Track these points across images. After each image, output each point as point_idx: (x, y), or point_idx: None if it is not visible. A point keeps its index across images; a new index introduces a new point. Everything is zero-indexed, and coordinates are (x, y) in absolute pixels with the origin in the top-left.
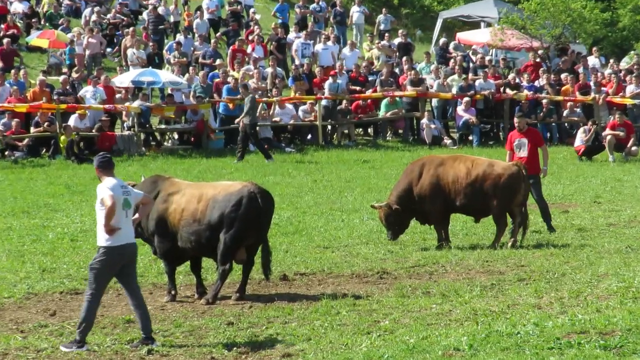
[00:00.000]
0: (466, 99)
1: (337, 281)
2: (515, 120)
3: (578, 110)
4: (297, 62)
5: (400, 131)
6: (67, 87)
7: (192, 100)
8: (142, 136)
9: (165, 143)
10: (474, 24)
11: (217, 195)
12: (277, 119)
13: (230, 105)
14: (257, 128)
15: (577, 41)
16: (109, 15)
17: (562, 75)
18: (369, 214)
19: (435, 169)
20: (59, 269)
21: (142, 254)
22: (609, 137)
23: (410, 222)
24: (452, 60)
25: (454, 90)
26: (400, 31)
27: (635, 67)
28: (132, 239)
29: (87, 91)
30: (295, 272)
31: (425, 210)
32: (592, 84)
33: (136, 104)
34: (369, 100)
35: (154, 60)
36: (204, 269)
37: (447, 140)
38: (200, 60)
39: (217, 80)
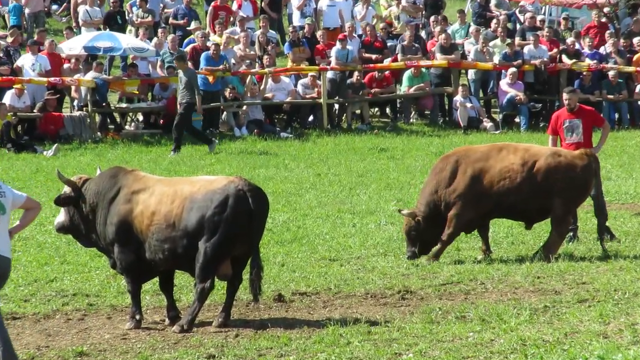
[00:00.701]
0: (512, 70)
1: (347, 303)
2: (565, 96)
3: None
4: (295, 22)
5: (427, 111)
6: (1, 55)
7: (160, 72)
8: (98, 118)
9: (127, 126)
10: None
11: (195, 193)
12: (269, 95)
13: (210, 79)
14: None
15: None
16: None
17: (635, 40)
18: (387, 217)
19: (472, 165)
20: None
21: (99, 267)
22: None
23: (438, 239)
24: (493, 21)
25: (497, 59)
26: None
27: None
28: (4, 252)
29: (25, 60)
30: (294, 292)
31: (451, 217)
32: None
33: (90, 76)
34: (387, 72)
35: (113, 21)
36: (177, 287)
37: (487, 123)
38: (171, 20)
39: (193, 45)
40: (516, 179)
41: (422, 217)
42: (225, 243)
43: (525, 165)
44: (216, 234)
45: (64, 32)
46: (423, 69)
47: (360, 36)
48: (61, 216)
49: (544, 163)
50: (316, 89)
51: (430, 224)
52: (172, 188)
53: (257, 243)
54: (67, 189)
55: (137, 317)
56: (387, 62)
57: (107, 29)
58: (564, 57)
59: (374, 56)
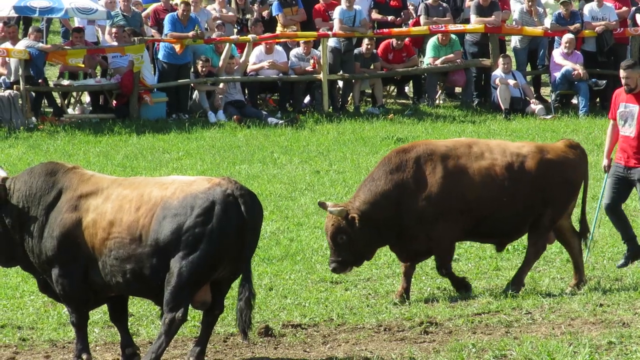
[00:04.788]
0: (568, 36)
1: (354, 337)
2: (622, 72)
3: None
4: None
5: (459, 90)
6: None
7: (109, 40)
8: (31, 98)
9: (70, 110)
10: None
11: (169, 198)
12: (253, 68)
13: (177, 48)
14: None
15: None
16: None
17: None
18: None
19: (442, 162)
20: None
21: (34, 292)
22: None
23: (375, 252)
24: None
25: (548, 22)
26: None
27: None
28: None
29: None
30: (285, 323)
31: (435, 238)
32: None
33: (22, 45)
34: (406, 39)
35: None
36: (134, 317)
37: (536, 106)
38: None
39: (155, 6)
40: (503, 186)
41: (358, 215)
42: (207, 262)
43: (512, 167)
44: (196, 250)
45: None
46: (453, 36)
47: None
48: None
49: (534, 163)
50: (313, 62)
51: (368, 227)
52: (135, 191)
53: (249, 262)
54: None
55: (84, 356)
56: (406, 27)
57: None
58: (639, 18)
59: (389, 18)
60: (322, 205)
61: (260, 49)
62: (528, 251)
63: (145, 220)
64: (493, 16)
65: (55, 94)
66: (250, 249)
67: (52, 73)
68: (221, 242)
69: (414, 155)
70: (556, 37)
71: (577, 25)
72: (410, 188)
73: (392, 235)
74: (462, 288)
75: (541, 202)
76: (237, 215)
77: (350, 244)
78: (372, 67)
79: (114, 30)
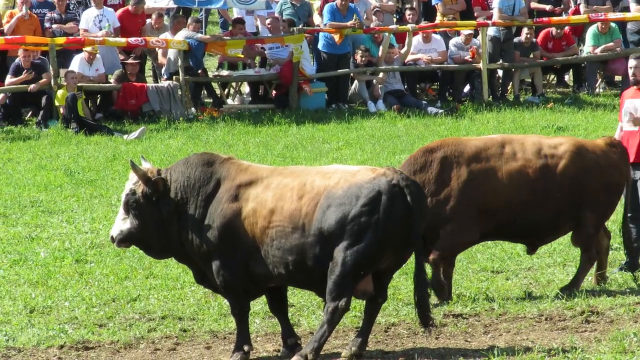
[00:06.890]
0: None
1: (515, 327)
2: (631, 62)
3: None
4: None
5: (618, 78)
6: (71, 8)
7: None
8: (191, 89)
9: (230, 100)
10: None
11: (333, 188)
12: (412, 58)
13: (337, 38)
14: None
15: None
16: None
17: None
18: None
19: (468, 165)
20: (56, 309)
21: (194, 283)
22: None
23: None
24: None
25: None
26: None
27: None
28: None
29: (88, 15)
30: (446, 313)
31: (445, 234)
32: None
33: (181, 36)
34: (566, 28)
35: None
36: (295, 307)
37: None
38: None
39: None
40: (535, 188)
41: None
42: (371, 252)
43: (545, 169)
44: (362, 240)
45: None
46: (613, 24)
47: None
48: (123, 224)
49: (570, 164)
50: (472, 50)
51: None
52: (296, 180)
53: (421, 252)
54: (134, 186)
55: (245, 347)
56: (566, 15)
57: None
58: None
59: (548, 7)
60: None
61: (417, 38)
62: (581, 258)
63: (309, 209)
64: None
65: (214, 85)
66: (417, 240)
67: (211, 64)
68: (386, 232)
69: (440, 155)
70: None
71: None
72: (430, 189)
73: None
74: (439, 289)
75: (578, 204)
76: (403, 205)
77: None
78: (531, 56)
79: (268, 20)
